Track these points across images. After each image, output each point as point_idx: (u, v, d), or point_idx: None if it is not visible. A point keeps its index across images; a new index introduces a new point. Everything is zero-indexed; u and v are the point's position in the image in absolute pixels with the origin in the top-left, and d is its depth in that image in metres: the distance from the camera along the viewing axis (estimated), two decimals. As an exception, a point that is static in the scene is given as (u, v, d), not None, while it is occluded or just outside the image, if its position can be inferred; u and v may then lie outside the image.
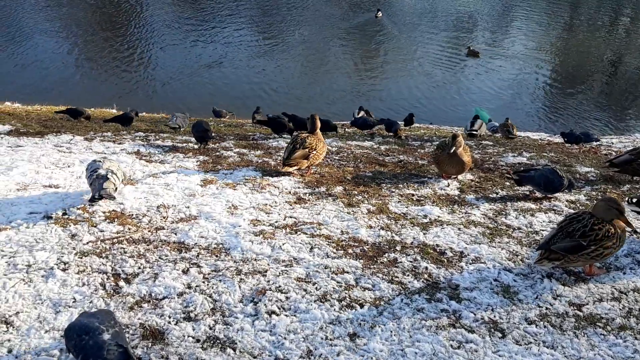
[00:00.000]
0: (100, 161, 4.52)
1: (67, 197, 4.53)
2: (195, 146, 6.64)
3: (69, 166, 5.28)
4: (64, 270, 3.45)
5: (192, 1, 28.13)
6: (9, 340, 2.85)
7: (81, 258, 3.60)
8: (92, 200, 4.23)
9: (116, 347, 2.54)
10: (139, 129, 8.46)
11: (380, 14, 27.41)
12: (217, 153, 6.31)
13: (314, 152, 5.44)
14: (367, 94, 18.47)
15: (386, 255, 3.90)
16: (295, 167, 5.37)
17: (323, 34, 24.45)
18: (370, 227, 4.31)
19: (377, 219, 4.48)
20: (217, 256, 3.74)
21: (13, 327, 2.95)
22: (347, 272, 3.63)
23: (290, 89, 18.47)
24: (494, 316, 3.28)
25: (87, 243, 3.78)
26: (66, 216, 4.17)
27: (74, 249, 3.70)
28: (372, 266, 3.74)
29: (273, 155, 6.31)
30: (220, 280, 3.46)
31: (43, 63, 19.25)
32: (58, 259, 3.56)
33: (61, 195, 4.53)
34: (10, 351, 2.78)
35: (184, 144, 6.82)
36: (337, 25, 26.03)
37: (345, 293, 3.41)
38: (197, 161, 5.87)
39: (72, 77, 18.45)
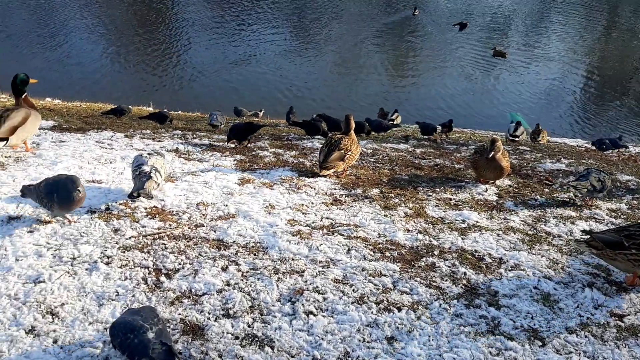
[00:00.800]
0: (146, 157, 4.60)
1: (109, 192, 4.63)
2: (232, 145, 6.71)
3: (110, 162, 5.40)
4: (107, 264, 3.53)
5: (231, 3, 28.40)
6: (54, 331, 2.93)
7: (124, 252, 3.68)
8: (130, 196, 4.31)
9: (160, 346, 2.59)
10: (176, 127, 8.59)
11: (418, 12, 27.30)
12: (253, 153, 6.37)
13: (349, 153, 5.46)
14: (399, 96, 18.39)
15: (424, 259, 3.88)
16: (332, 170, 5.39)
17: (356, 33, 24.41)
18: (408, 230, 4.30)
19: (415, 222, 4.46)
20: (255, 255, 3.78)
21: (58, 318, 3.03)
22: (385, 275, 3.62)
23: (321, 90, 18.48)
24: (534, 324, 3.24)
25: (130, 238, 3.86)
26: (109, 211, 4.27)
27: (116, 243, 3.78)
28: (409, 270, 3.72)
29: (308, 156, 6.33)
30: (258, 279, 3.49)
31: (81, 61, 19.68)
32: (101, 252, 3.65)
33: (104, 191, 4.63)
34: (55, 341, 2.86)
35: (221, 143, 6.89)
36: (372, 23, 25.98)
37: (383, 296, 3.41)
38: (234, 160, 5.94)
39: (108, 75, 18.82)
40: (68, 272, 3.41)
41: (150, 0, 27.58)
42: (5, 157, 5.30)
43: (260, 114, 14.01)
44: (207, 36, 23.10)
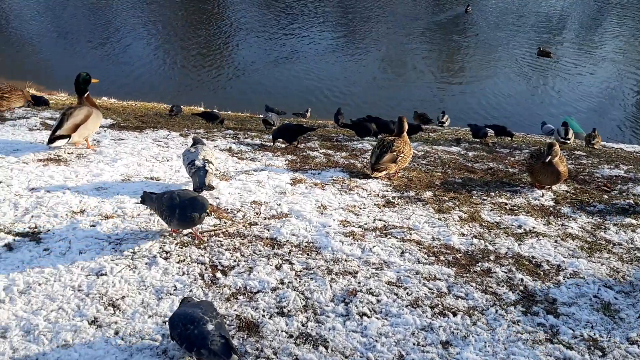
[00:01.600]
0: (194, 151, 4.71)
1: (167, 189, 4.74)
2: (283, 145, 6.77)
3: (167, 160, 5.53)
4: (165, 259, 3.62)
5: (280, 2, 28.65)
6: (115, 323, 3.02)
7: (181, 248, 3.76)
8: (195, 190, 4.42)
9: (219, 338, 2.64)
10: (227, 127, 8.73)
11: (471, 9, 26.91)
12: (304, 153, 6.41)
13: (402, 155, 5.42)
14: (445, 97, 18.13)
15: (479, 264, 3.82)
16: (384, 172, 5.36)
17: (403, 33, 24.24)
18: (463, 234, 4.24)
19: (469, 227, 4.39)
20: (308, 254, 3.80)
21: (119, 311, 3.12)
22: (439, 279, 3.58)
23: (365, 90, 18.40)
24: (594, 334, 3.14)
25: (187, 234, 3.95)
26: (166, 207, 4.37)
27: (174, 239, 3.87)
28: (464, 275, 3.67)
29: (358, 157, 6.33)
30: (311, 279, 3.51)
31: (133, 60, 20.23)
32: (160, 247, 3.74)
33: (162, 187, 4.75)
34: (116, 333, 2.95)
35: (272, 143, 6.96)
36: (419, 22, 25.76)
37: (438, 300, 3.37)
38: (285, 160, 5.99)
39: (158, 74, 19.29)
40: (128, 266, 3.51)
41: (198, 1, 28.11)
42: (68, 153, 5.50)
43: (307, 114, 14.08)
44: (254, 35, 23.39)
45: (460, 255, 3.93)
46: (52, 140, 5.33)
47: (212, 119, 9.00)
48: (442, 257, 3.87)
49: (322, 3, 28.55)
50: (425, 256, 3.86)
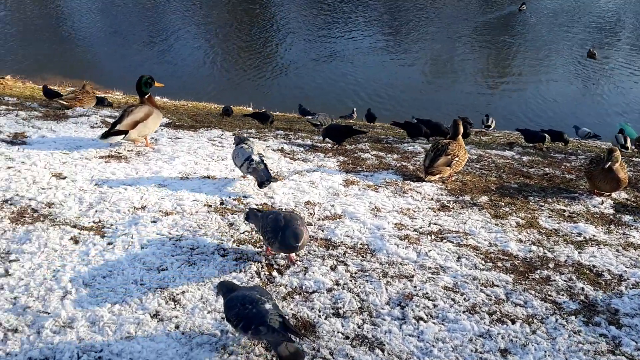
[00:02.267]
0: (246, 147, 4.81)
1: (223, 187, 4.83)
2: (333, 146, 6.78)
3: (222, 159, 5.63)
4: (223, 256, 3.68)
5: (327, 2, 28.72)
6: (176, 317, 3.09)
7: (238, 246, 3.82)
8: (262, 185, 4.61)
9: (277, 317, 2.71)
10: (278, 128, 8.81)
11: (525, 7, 26.33)
12: (355, 154, 6.40)
13: (456, 159, 5.35)
14: (493, 99, 17.77)
15: (538, 271, 3.73)
16: (438, 176, 5.31)
17: (451, 32, 23.90)
18: (520, 241, 4.15)
19: (527, 233, 4.30)
20: (363, 256, 3.80)
21: (180, 305, 3.19)
22: (497, 286, 3.52)
23: (410, 91, 18.19)
24: (659, 347, 3.03)
25: (243, 232, 4.01)
26: (223, 206, 4.46)
27: (231, 237, 3.94)
28: (523, 282, 3.60)
29: (410, 160, 6.28)
30: (367, 281, 3.51)
31: (182, 60, 20.60)
32: (218, 245, 3.81)
33: (218, 186, 4.84)
34: (177, 327, 3.02)
35: (322, 144, 6.99)
36: (467, 22, 25.35)
37: (496, 307, 3.31)
38: (337, 161, 6.00)
39: (207, 74, 19.58)
40: (187, 262, 3.59)
41: (247, 2, 28.46)
42: (128, 150, 5.67)
43: (354, 115, 14.05)
44: (298, 36, 23.50)
45: (518, 262, 3.86)
46: (106, 135, 5.48)
47: (264, 120, 9.10)
48: (499, 264, 3.80)
49: (366, 2, 28.46)
50: (483, 262, 3.80)
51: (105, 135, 5.51)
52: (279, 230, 3.45)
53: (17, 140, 5.86)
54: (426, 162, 5.36)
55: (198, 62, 20.51)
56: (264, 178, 4.61)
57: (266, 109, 11.65)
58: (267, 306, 2.75)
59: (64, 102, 7.65)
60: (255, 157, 4.69)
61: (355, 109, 14.24)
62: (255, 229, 3.87)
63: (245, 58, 21.18)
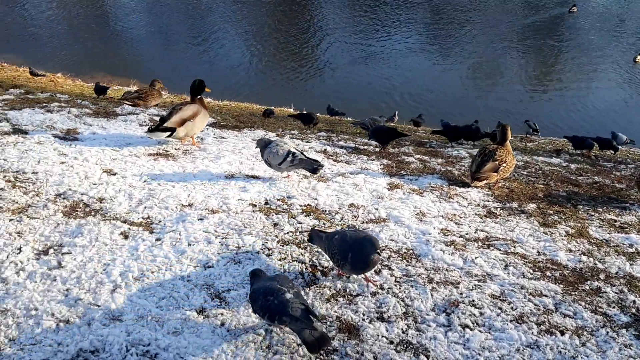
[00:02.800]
0: (279, 146, 4.90)
1: (267, 187, 4.87)
2: (377, 149, 6.75)
3: (267, 159, 5.67)
4: (268, 255, 3.71)
5: (368, 3, 28.64)
6: (221, 314, 3.12)
7: (282, 246, 3.84)
8: (316, 171, 4.86)
9: (299, 305, 2.80)
10: (320, 129, 8.82)
11: (576, 9, 25.67)
12: (399, 158, 6.36)
13: (504, 165, 5.25)
14: (536, 105, 17.35)
15: (588, 282, 3.63)
16: (485, 181, 5.22)
17: (495, 34, 23.48)
18: (570, 250, 4.05)
19: (577, 243, 4.19)
20: (407, 261, 3.77)
21: (225, 303, 3.23)
22: (546, 296, 3.44)
23: (449, 96, 17.93)
24: None
25: (288, 233, 4.03)
26: (268, 206, 4.49)
27: (276, 237, 3.96)
28: (572, 292, 3.50)
29: (455, 165, 6.20)
30: (412, 286, 3.47)
31: (225, 61, 20.87)
32: (263, 244, 3.84)
33: (262, 186, 4.88)
34: (222, 324, 3.05)
35: (365, 147, 6.97)
36: (512, 24, 24.85)
37: (544, 317, 3.24)
38: (380, 164, 5.97)
39: (248, 75, 19.78)
40: (233, 260, 3.63)
41: (287, 3, 28.61)
42: (175, 149, 5.77)
43: (395, 117, 13.96)
44: (340, 37, 23.50)
45: (567, 272, 3.75)
46: (152, 130, 5.59)
47: (308, 121, 9.12)
48: (548, 273, 3.71)
49: (406, 4, 28.24)
50: (531, 271, 3.72)
51: (151, 130, 5.62)
52: (348, 252, 3.27)
53: (69, 136, 6.04)
54: (473, 168, 5.28)
55: (239, 62, 20.74)
56: (315, 164, 4.83)
57: (307, 110, 11.70)
58: (288, 296, 2.83)
59: (127, 103, 7.87)
60: (295, 151, 4.84)
61: (397, 112, 14.15)
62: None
63: (285, 59, 21.32)
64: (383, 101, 17.23)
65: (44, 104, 7.65)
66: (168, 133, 5.64)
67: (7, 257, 3.56)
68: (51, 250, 3.65)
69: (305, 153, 4.93)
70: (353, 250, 3.26)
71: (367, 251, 3.25)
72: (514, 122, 13.74)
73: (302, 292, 3.09)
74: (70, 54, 20.81)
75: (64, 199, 4.41)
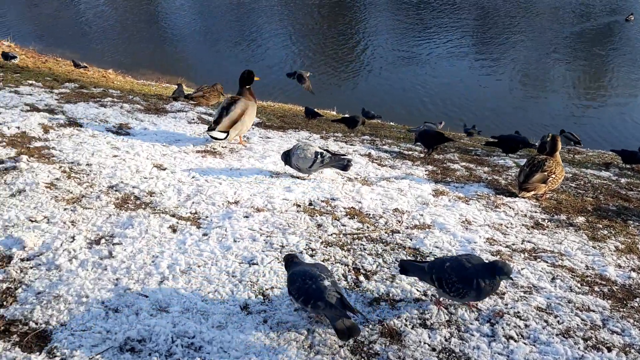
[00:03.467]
0: (303, 148, 5.00)
1: (312, 189, 4.90)
2: (421, 154, 6.71)
3: (311, 161, 5.71)
4: (311, 256, 3.73)
5: (412, 6, 28.44)
6: (264, 312, 3.16)
7: (326, 247, 3.86)
8: (346, 167, 5.05)
9: (335, 293, 2.86)
10: (364, 133, 8.82)
11: (633, 17, 24.92)
12: (444, 165, 6.31)
13: (553, 176, 5.14)
14: (584, 117, 16.88)
15: (637, 299, 3.52)
16: (532, 192, 5.13)
17: (546, 41, 22.93)
18: (619, 266, 3.94)
19: (627, 258, 4.07)
20: (451, 269, 3.73)
21: (268, 300, 3.27)
22: (593, 311, 3.36)
23: (495, 103, 17.60)
24: None
25: (331, 234, 4.05)
26: (312, 207, 4.52)
27: (319, 237, 3.99)
28: (621, 309, 3.41)
29: (502, 174, 6.11)
30: (455, 294, 3.44)
31: (270, 61, 21.02)
32: (306, 244, 3.87)
33: (307, 187, 4.92)
34: (265, 321, 3.08)
35: (410, 152, 6.94)
36: (567, 30, 24.24)
37: (591, 333, 3.16)
38: (425, 170, 5.94)
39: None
40: (277, 259, 3.67)
41: (331, 6, 28.67)
42: (222, 147, 5.88)
43: (440, 126, 13.83)
44: (385, 41, 23.36)
45: (616, 287, 3.66)
46: (210, 129, 5.72)
47: (353, 125, 9.12)
48: (596, 288, 3.62)
49: (455, 8, 27.91)
50: (578, 285, 3.64)
51: (210, 129, 5.76)
52: (472, 278, 3.02)
53: (122, 130, 6.22)
54: (521, 178, 5.19)
55: (283, 64, 20.88)
56: (345, 161, 4.99)
57: (350, 113, 11.70)
58: (326, 283, 2.90)
59: (192, 101, 8.34)
60: (322, 152, 4.97)
61: (443, 122, 14.05)
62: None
63: (329, 61, 21.35)
64: (422, 107, 17.08)
65: (98, 99, 7.89)
66: (224, 135, 5.76)
67: (61, 244, 3.69)
68: (103, 240, 3.77)
69: (330, 150, 5.08)
70: (481, 277, 3.02)
71: (497, 274, 3.01)
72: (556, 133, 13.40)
73: (344, 292, 3.16)
74: (123, 52, 21.40)
75: (116, 191, 4.55)
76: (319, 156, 4.92)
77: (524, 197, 5.15)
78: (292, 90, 17.94)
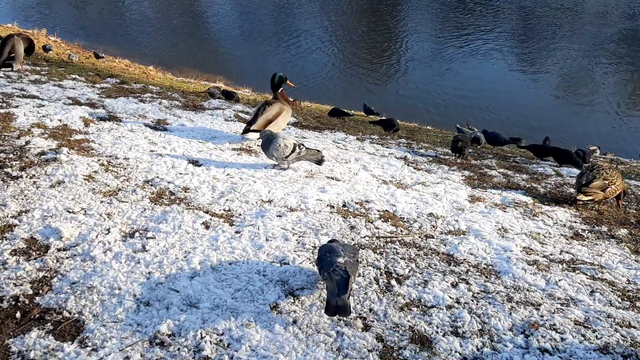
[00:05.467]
0: (286, 138, 5.14)
1: (346, 190, 4.87)
2: (458, 160, 6.61)
3: (346, 162, 5.68)
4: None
5: (454, 8, 28.06)
6: (294, 312, 3.14)
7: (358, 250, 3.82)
8: (321, 162, 5.27)
9: (342, 271, 3.08)
10: (400, 136, 8.74)
11: None
12: (481, 170, 6.19)
13: (613, 186, 5.03)
14: (630, 127, 16.35)
15: (683, 318, 3.37)
16: (591, 197, 5.01)
17: (591, 46, 22.29)
18: (664, 282, 3.78)
19: (672, 274, 3.91)
20: (486, 277, 3.65)
21: (298, 301, 3.24)
22: (634, 327, 3.22)
23: (536, 111, 17.12)
24: None
25: (364, 237, 4.01)
26: (345, 208, 4.48)
27: (352, 239, 3.95)
28: (665, 327, 3.27)
29: (541, 182, 5.95)
30: (489, 303, 3.35)
31: (308, 63, 21.05)
32: (338, 246, 3.83)
33: (341, 188, 4.89)
34: (294, 322, 3.06)
35: (446, 156, 6.84)
36: (610, 32, 23.54)
37: (632, 350, 3.03)
38: (462, 175, 5.83)
39: (331, 78, 19.84)
40: (309, 259, 3.65)
41: (376, 5, 28.54)
42: (257, 145, 5.89)
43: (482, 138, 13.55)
44: (423, 44, 23.07)
45: (660, 304, 3.51)
46: (245, 131, 5.78)
47: (389, 127, 9.06)
48: (638, 304, 3.48)
49: (496, 10, 27.42)
50: (619, 299, 3.50)
51: (245, 132, 5.84)
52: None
53: (159, 126, 6.31)
54: (582, 180, 5.09)
55: (321, 65, 20.87)
56: (319, 156, 5.22)
57: (386, 115, 11.61)
58: (340, 260, 3.14)
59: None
60: (299, 143, 5.13)
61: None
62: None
63: (366, 64, 21.24)
64: (461, 115, 16.80)
65: (137, 94, 8.03)
66: (258, 134, 5.81)
67: (97, 236, 3.75)
68: (137, 234, 3.82)
69: (306, 145, 5.32)
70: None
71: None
72: (604, 144, 13.07)
73: (359, 268, 3.44)
74: (164, 50, 21.77)
75: (151, 185, 4.60)
76: (296, 148, 5.06)
77: (581, 201, 5.02)
78: (331, 91, 17.95)
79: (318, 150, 5.31)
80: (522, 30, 25.26)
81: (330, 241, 3.46)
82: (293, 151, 5.08)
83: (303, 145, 5.21)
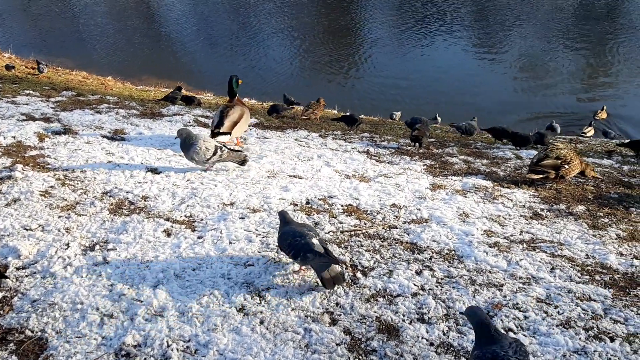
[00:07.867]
0: (206, 141, 5.06)
1: (309, 187, 4.87)
2: (420, 150, 6.67)
3: (308, 159, 5.68)
4: (307, 255, 3.69)
5: (411, 6, 28.29)
6: (261, 312, 3.13)
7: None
8: (244, 162, 5.19)
9: (322, 248, 3.27)
10: (363, 130, 8.78)
11: None
12: (442, 159, 6.26)
13: (567, 166, 5.13)
14: (591, 105, 16.72)
15: (640, 288, 3.47)
16: (541, 176, 5.10)
17: (547, 32, 22.69)
18: (621, 254, 3.88)
19: (629, 246, 4.01)
20: (449, 262, 3.69)
21: (265, 301, 3.24)
22: (594, 300, 3.31)
23: (496, 95, 17.38)
24: None
25: (328, 232, 4.02)
26: (309, 205, 4.49)
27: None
28: (623, 298, 3.35)
29: (500, 166, 6.06)
30: (453, 287, 3.40)
31: (270, 63, 20.95)
32: (303, 244, 3.83)
33: (304, 185, 4.89)
34: (262, 322, 3.06)
35: (408, 147, 6.89)
36: (565, 20, 24.00)
37: (592, 323, 3.11)
38: (423, 165, 5.89)
39: (294, 77, 19.82)
40: (274, 259, 3.64)
41: (331, 7, 28.59)
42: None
43: (439, 119, 13.73)
44: (384, 39, 23.10)
45: (618, 276, 3.60)
46: (214, 135, 5.73)
47: (352, 123, 9.08)
48: (597, 277, 3.57)
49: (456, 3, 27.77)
50: (579, 274, 3.58)
51: (214, 135, 5.77)
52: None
53: (117, 136, 6.21)
54: (534, 159, 5.19)
55: (284, 65, 20.81)
56: (243, 156, 5.18)
57: (351, 112, 11.64)
58: (314, 240, 3.30)
59: (304, 116, 8.82)
60: (220, 145, 5.10)
61: (437, 114, 13.94)
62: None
63: (329, 61, 21.26)
64: (425, 102, 16.95)
65: (94, 106, 7.89)
66: (228, 136, 5.79)
67: (56, 252, 3.67)
68: (97, 247, 3.76)
69: (228, 146, 5.22)
70: None
71: None
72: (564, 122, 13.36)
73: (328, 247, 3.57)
74: (121, 58, 21.42)
75: (110, 196, 4.53)
76: (217, 150, 5.02)
77: (531, 180, 5.12)
78: (292, 89, 17.92)
79: (241, 151, 5.25)
80: (479, 15, 25.62)
81: (283, 220, 3.54)
82: (214, 154, 5.00)
83: (225, 147, 5.14)
